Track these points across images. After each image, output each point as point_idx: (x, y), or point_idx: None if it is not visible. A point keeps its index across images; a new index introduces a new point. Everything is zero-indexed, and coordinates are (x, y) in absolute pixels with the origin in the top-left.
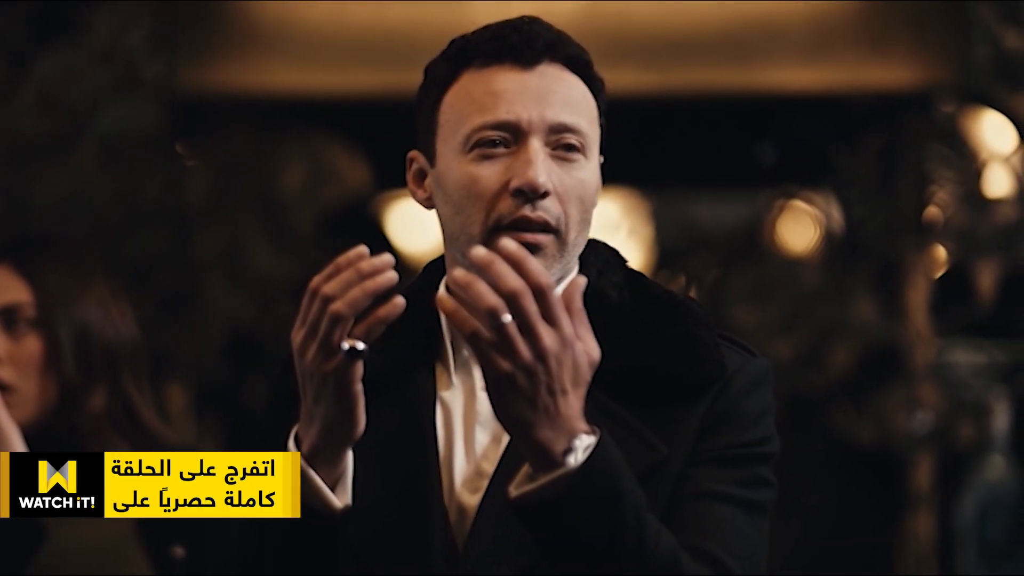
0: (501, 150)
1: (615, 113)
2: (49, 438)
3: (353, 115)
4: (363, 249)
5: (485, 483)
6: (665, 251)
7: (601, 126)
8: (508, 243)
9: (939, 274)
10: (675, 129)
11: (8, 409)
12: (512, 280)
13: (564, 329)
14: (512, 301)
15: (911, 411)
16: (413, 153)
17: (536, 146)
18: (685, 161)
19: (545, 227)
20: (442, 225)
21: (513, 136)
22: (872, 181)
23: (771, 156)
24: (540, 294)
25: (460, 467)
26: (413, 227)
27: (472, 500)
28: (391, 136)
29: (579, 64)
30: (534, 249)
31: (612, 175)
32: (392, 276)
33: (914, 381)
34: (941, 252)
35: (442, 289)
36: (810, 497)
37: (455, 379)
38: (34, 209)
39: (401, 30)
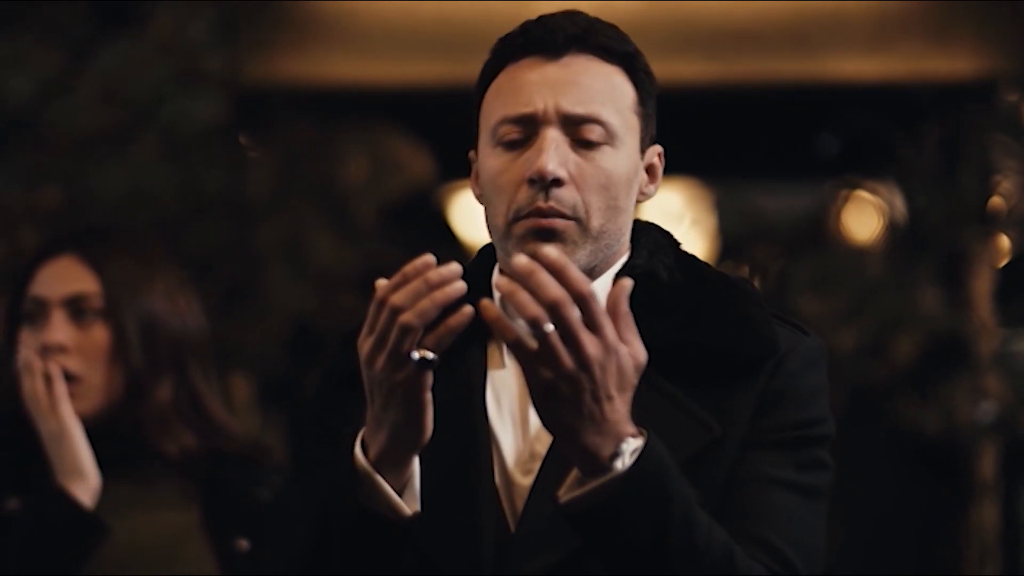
0: (523, 142)
1: (678, 104)
2: (115, 429)
3: (416, 106)
4: (430, 258)
5: (538, 465)
6: (728, 241)
7: (646, 115)
8: (550, 251)
9: (1003, 263)
10: (738, 120)
11: (74, 399)
12: (554, 289)
13: (607, 336)
14: (554, 310)
15: (975, 401)
16: (472, 154)
17: (551, 135)
18: (748, 152)
19: (560, 215)
20: (483, 216)
21: (532, 127)
22: (935, 171)
23: (834, 146)
24: (582, 302)
25: (512, 448)
26: (476, 218)
27: (525, 481)
28: (454, 127)
29: (615, 54)
30: (552, 234)
31: (675, 166)
32: (461, 286)
33: (978, 371)
34: (1005, 242)
35: (497, 280)
36: (874, 487)
37: (507, 359)
38: (96, 202)
39: (464, 20)
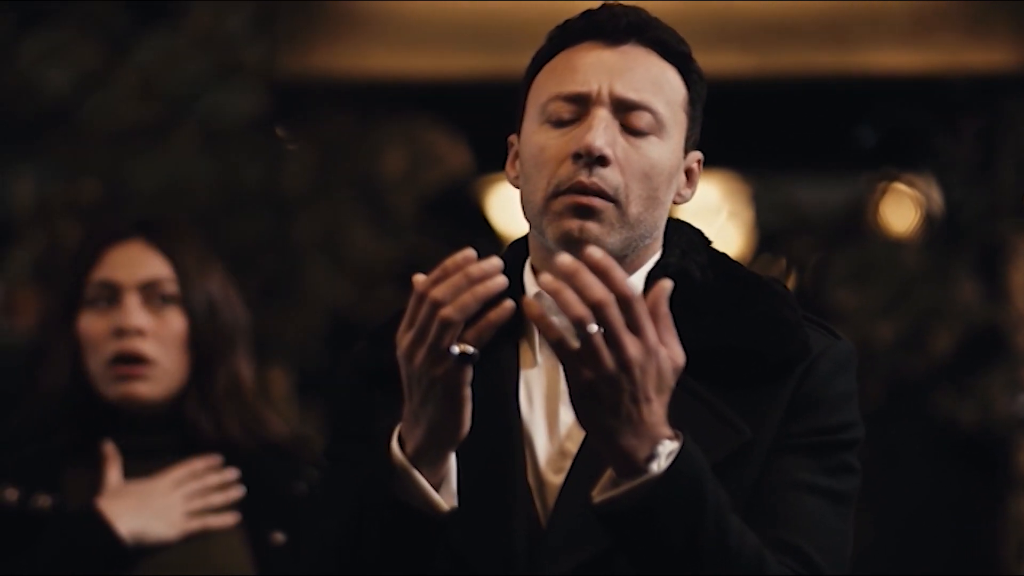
0: (571, 121)
1: (715, 97)
2: (178, 415)
3: (454, 98)
4: (471, 252)
5: (568, 463)
6: (766, 234)
7: (694, 118)
8: (595, 251)
9: None
10: (775, 112)
11: (146, 382)
12: (598, 290)
13: (649, 338)
14: (597, 311)
15: (1013, 393)
16: (512, 137)
17: (601, 115)
18: (785, 144)
19: (601, 194)
20: (519, 198)
21: (583, 107)
22: (972, 163)
23: (871, 139)
24: (626, 303)
25: (543, 446)
26: (513, 210)
27: (556, 480)
28: (492, 119)
29: (671, 52)
30: (590, 212)
31: (712, 159)
32: (502, 280)
33: (1016, 363)
34: None
35: (529, 284)
36: (910, 480)
37: (539, 357)
38: (135, 194)
39: (501, 13)
